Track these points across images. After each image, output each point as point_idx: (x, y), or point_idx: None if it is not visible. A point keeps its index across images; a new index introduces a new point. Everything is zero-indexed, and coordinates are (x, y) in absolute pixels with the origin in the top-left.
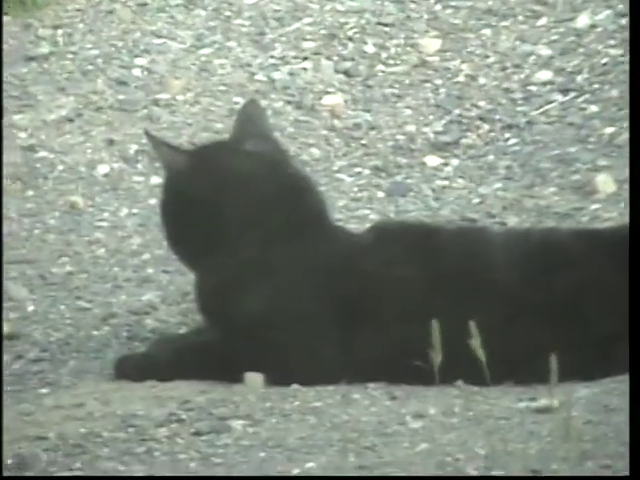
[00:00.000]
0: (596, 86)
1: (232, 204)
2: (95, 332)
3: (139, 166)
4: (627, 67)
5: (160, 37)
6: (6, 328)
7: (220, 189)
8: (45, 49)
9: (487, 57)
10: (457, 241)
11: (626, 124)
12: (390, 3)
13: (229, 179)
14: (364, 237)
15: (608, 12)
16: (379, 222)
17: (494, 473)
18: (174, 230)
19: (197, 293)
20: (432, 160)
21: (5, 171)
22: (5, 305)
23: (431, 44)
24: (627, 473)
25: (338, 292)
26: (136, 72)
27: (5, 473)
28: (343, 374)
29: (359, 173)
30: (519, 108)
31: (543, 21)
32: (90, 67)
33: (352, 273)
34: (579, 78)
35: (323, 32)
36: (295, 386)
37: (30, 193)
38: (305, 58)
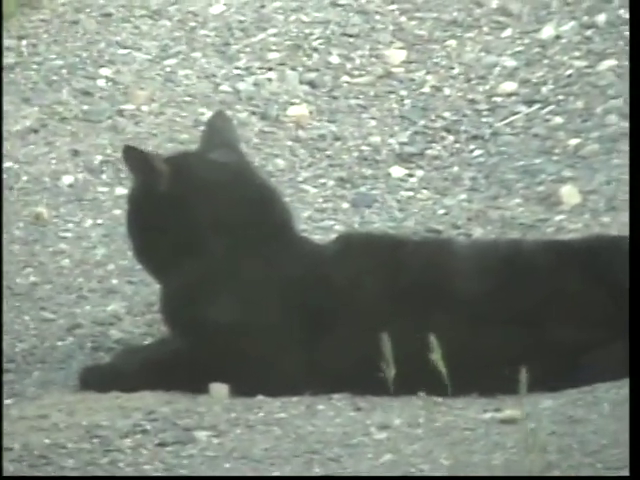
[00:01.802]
0: (561, 97)
1: (198, 214)
2: (60, 343)
3: (104, 177)
4: (592, 79)
5: (125, 48)
6: None
7: (187, 199)
8: (10, 59)
9: (452, 68)
10: (422, 252)
11: (591, 135)
12: (355, 14)
13: (196, 189)
14: (329, 248)
15: (573, 23)
16: (344, 233)
17: None
18: (140, 240)
19: (162, 303)
20: (397, 171)
21: None
22: None
23: (396, 55)
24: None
25: (303, 303)
26: (101, 83)
27: None
28: (308, 385)
29: (324, 184)
30: (484, 119)
31: (508, 32)
32: (55, 77)
33: (317, 284)
34: (544, 89)
35: (288, 43)
36: (260, 397)
37: None
38: (270, 69)
